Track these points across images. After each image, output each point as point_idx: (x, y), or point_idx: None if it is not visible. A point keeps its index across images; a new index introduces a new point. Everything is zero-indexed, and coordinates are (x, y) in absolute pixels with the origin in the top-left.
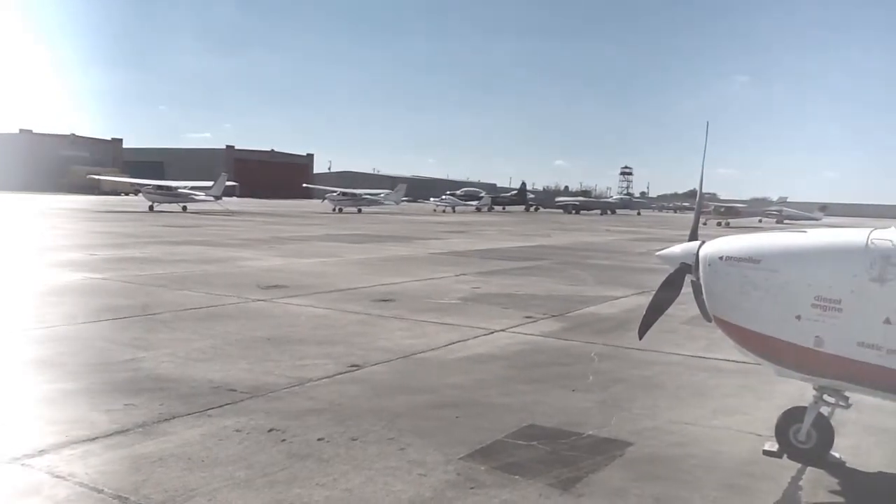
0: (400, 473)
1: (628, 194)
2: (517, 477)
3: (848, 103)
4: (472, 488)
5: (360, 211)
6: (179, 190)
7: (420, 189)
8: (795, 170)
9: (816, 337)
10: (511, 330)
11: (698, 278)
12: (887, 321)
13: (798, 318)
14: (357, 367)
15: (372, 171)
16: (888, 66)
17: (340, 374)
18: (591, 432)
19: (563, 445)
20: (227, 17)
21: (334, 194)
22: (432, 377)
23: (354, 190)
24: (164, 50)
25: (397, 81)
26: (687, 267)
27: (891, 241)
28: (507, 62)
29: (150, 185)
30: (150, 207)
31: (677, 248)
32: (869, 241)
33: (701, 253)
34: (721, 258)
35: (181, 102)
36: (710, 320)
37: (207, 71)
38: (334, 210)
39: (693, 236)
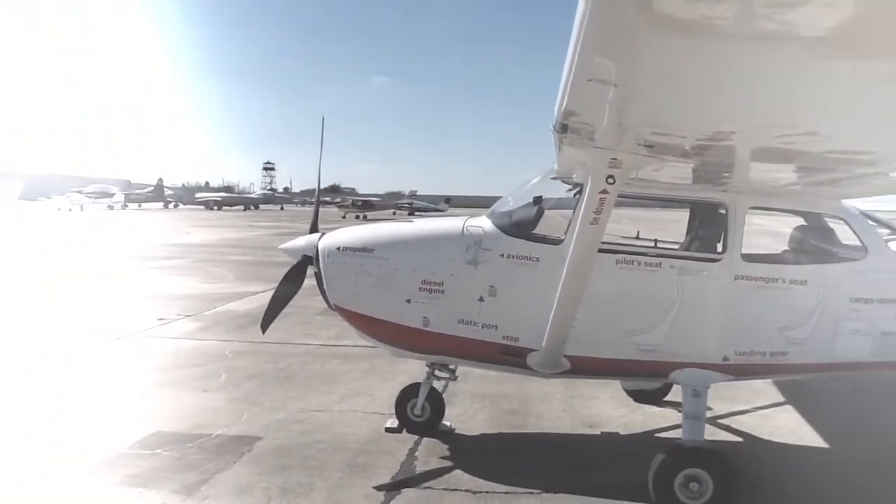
0: None
1: (271, 189)
2: (139, 489)
3: (478, 104)
4: None
5: None
6: None
7: (39, 187)
8: (431, 165)
9: (424, 318)
10: (142, 334)
11: (320, 269)
12: (481, 299)
13: (408, 301)
14: None
15: None
16: (517, 73)
17: None
18: (220, 432)
19: (191, 449)
20: None
21: None
22: (46, 393)
23: None
24: None
25: None
26: (308, 259)
27: (482, 227)
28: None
29: None
30: None
31: (299, 241)
32: (464, 228)
33: (320, 244)
34: (338, 249)
35: None
36: (333, 309)
37: None
38: None
39: (313, 228)
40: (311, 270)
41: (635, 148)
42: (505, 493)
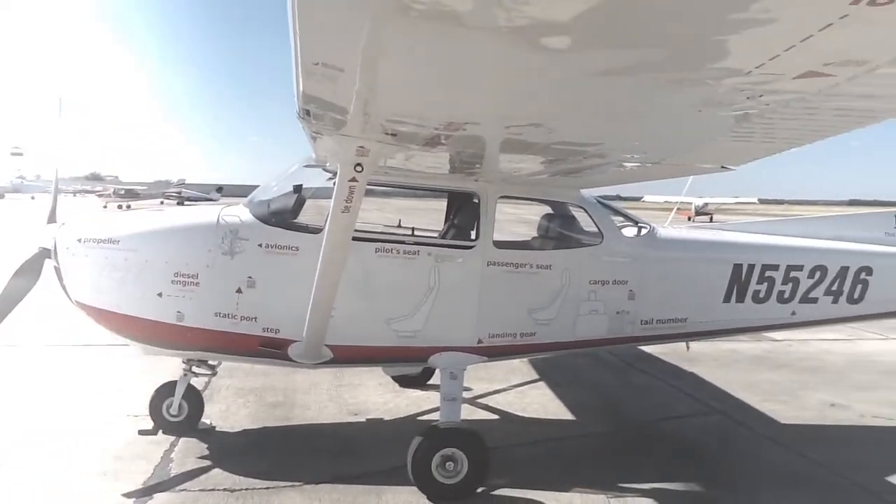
0: None
1: (20, 178)
2: None
3: (253, 92)
4: None
5: None
6: None
7: None
8: (203, 153)
9: (178, 312)
10: None
11: (58, 263)
12: (239, 291)
13: (160, 295)
14: None
15: None
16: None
17: None
18: None
19: None
20: None
21: None
22: None
23: None
24: None
25: None
26: (46, 251)
27: (239, 217)
28: None
29: None
30: None
31: (35, 231)
32: (219, 218)
33: (58, 235)
34: (79, 240)
35: None
36: (76, 306)
37: None
38: None
39: (51, 218)
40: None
41: (381, 136)
42: (265, 488)
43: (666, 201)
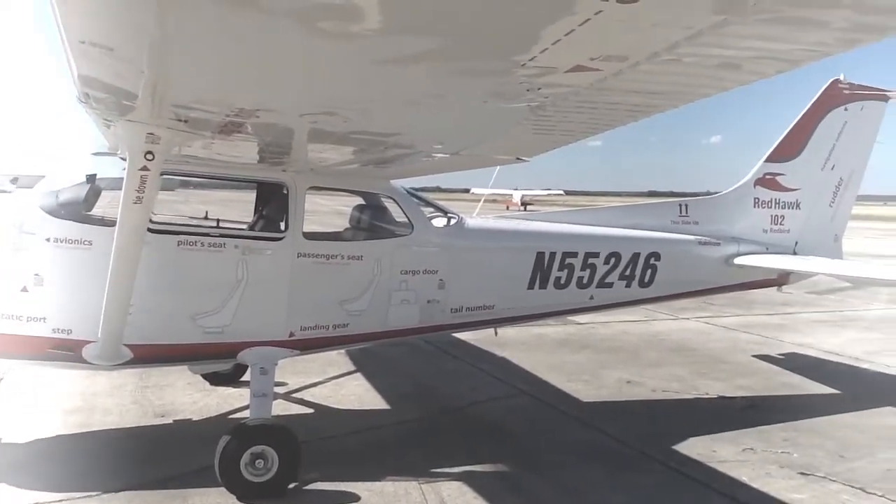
0: None
1: None
2: None
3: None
4: None
5: None
6: None
7: None
8: None
9: None
10: None
11: None
12: (24, 290)
13: None
14: None
15: None
16: None
17: None
18: None
19: None
20: None
21: None
22: None
23: None
24: None
25: None
26: None
27: (23, 209)
28: None
29: None
30: None
31: None
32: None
33: None
34: None
35: None
36: None
37: None
38: None
39: None
40: None
41: (171, 122)
42: (57, 501)
43: (493, 193)
